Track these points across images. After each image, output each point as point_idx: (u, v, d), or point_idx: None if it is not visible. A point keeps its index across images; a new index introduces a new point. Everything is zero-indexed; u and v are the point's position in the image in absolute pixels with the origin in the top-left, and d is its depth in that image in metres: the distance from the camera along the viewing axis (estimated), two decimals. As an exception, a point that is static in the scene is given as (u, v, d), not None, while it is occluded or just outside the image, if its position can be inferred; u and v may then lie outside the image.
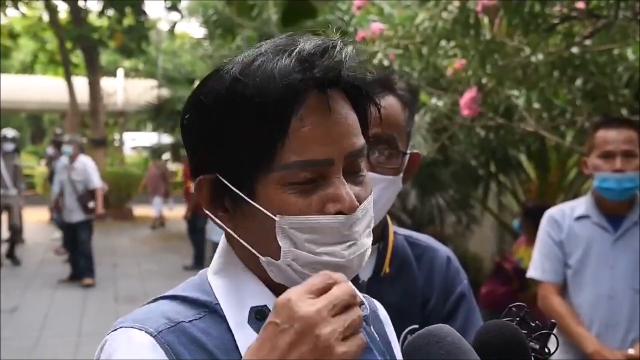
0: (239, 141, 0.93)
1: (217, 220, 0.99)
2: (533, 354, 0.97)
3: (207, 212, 1.00)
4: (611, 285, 2.86)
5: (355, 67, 0.96)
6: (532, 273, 3.07)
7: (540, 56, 3.57)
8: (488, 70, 3.71)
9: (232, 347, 0.95)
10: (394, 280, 1.66)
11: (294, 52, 0.92)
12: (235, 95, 0.92)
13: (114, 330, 0.96)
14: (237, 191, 0.95)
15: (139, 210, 17.67)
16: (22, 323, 7.83)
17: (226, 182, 0.95)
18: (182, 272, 10.68)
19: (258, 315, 0.97)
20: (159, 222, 16.39)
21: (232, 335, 0.96)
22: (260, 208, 0.93)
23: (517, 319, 1.00)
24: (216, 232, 8.65)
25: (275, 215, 0.93)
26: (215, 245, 1.08)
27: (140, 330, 0.93)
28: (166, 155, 17.28)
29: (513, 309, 1.01)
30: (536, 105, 3.95)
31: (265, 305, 0.97)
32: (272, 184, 0.93)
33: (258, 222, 0.95)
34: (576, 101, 3.94)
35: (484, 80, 3.79)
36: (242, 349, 0.93)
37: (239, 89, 0.92)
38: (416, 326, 1.64)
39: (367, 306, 1.07)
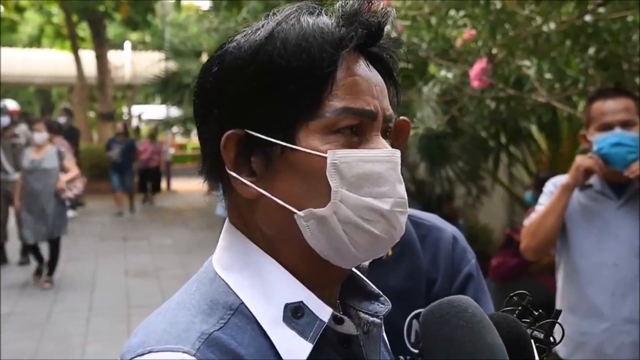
0: (281, 94, 0.88)
1: (244, 180, 0.90)
2: (537, 343, 0.92)
3: (231, 173, 0.91)
4: (616, 253, 2.82)
5: (390, 43, 0.95)
6: (524, 222, 3.06)
7: (552, 25, 3.47)
8: (498, 41, 3.63)
9: (267, 349, 0.87)
10: (397, 262, 1.61)
11: (335, 9, 0.91)
12: (274, 48, 0.88)
13: (139, 355, 0.83)
14: (277, 141, 0.88)
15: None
16: (33, 297, 7.90)
17: (262, 136, 0.89)
18: (193, 247, 10.71)
19: (298, 313, 0.88)
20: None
21: (265, 336, 0.87)
22: (308, 150, 0.87)
23: (519, 308, 0.95)
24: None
25: (324, 153, 0.87)
26: (223, 220, 1.00)
27: (176, 352, 0.82)
28: (175, 129, 17.23)
29: (514, 297, 0.96)
30: (548, 76, 3.87)
31: (302, 302, 0.89)
32: (316, 133, 0.88)
33: (300, 170, 0.88)
34: (589, 70, 3.85)
35: (494, 51, 3.71)
36: (281, 350, 0.87)
37: (277, 43, 0.88)
38: (421, 310, 1.59)
39: (387, 300, 1.00)
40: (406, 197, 0.92)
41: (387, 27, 0.93)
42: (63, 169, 8.37)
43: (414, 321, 1.58)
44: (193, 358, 0.81)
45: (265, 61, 0.88)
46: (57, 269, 8.58)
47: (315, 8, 0.92)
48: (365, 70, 0.91)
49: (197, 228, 12.73)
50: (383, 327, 1.03)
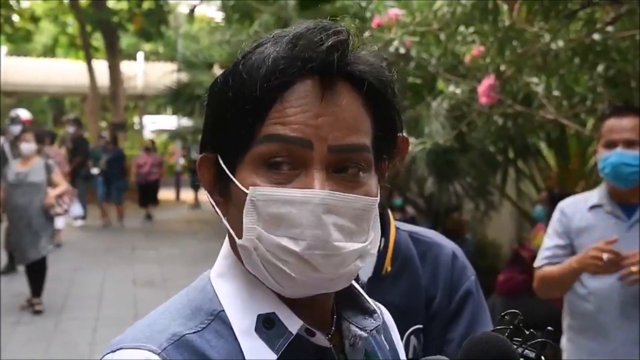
0: (228, 122, 0.91)
1: (212, 202, 0.96)
2: None
3: (206, 193, 0.97)
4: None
5: (362, 59, 0.92)
6: (536, 263, 3.03)
7: (561, 43, 3.49)
8: (507, 57, 3.65)
9: (238, 357, 0.90)
10: (396, 279, 1.62)
11: (286, 38, 0.90)
12: (233, 79, 0.91)
13: (112, 351, 0.88)
14: (225, 169, 0.92)
15: (161, 194, 17.61)
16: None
17: (220, 161, 0.93)
18: (201, 257, 10.72)
19: (266, 324, 0.91)
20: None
21: (239, 345, 0.91)
22: (235, 180, 0.91)
23: (511, 327, 0.96)
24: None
25: (247, 188, 0.89)
26: None
27: (143, 349, 0.87)
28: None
29: (506, 317, 0.97)
30: (556, 93, 3.87)
31: (274, 313, 0.92)
32: (250, 165, 0.90)
33: (236, 201, 0.91)
34: (597, 88, 3.85)
35: (502, 68, 3.72)
36: (249, 358, 0.90)
37: (235, 73, 0.91)
38: (420, 326, 1.60)
39: (380, 315, 1.02)
40: (332, 239, 0.87)
41: (363, 51, 0.92)
42: (51, 183, 7.61)
43: (412, 337, 1.59)
44: (157, 357, 0.86)
45: (225, 92, 0.92)
46: (65, 277, 8.59)
47: (284, 35, 0.91)
48: (310, 101, 0.88)
49: (205, 238, 12.75)
50: (386, 338, 1.06)
